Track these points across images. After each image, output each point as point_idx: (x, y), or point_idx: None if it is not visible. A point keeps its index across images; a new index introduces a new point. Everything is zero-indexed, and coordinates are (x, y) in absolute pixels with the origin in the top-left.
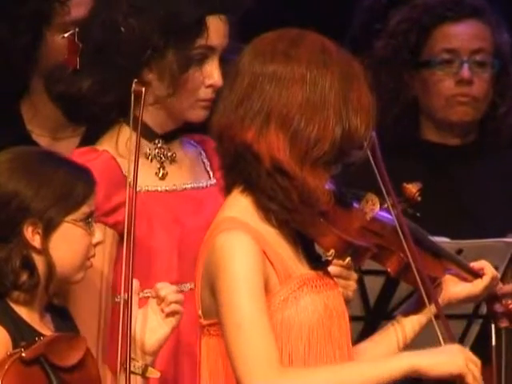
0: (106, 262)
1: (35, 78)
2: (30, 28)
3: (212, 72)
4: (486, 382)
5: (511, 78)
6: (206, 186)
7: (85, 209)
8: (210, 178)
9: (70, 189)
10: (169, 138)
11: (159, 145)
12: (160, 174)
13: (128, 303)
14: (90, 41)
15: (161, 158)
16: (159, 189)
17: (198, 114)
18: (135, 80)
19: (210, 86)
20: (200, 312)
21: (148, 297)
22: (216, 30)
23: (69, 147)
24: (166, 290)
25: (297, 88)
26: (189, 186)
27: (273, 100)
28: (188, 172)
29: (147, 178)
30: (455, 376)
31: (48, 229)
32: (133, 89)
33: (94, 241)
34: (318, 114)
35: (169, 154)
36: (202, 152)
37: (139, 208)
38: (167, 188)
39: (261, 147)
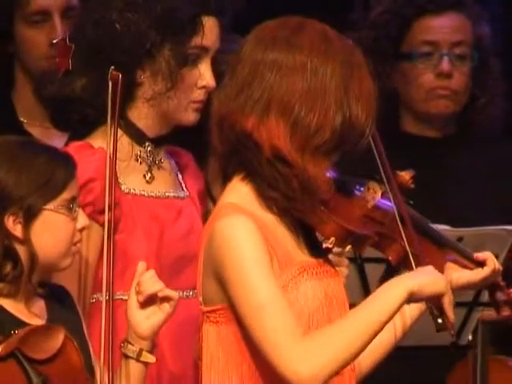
0: (90, 255)
1: (17, 70)
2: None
3: (205, 73)
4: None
5: (491, 70)
6: (184, 197)
7: (65, 195)
8: (183, 189)
9: (50, 176)
10: (157, 143)
11: (149, 148)
12: (147, 177)
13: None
14: (84, 40)
15: (149, 161)
16: (146, 194)
17: (189, 116)
18: (112, 67)
19: (203, 87)
20: (200, 299)
21: (121, 299)
22: (210, 30)
23: (61, 136)
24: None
25: (298, 76)
26: (171, 194)
27: (273, 88)
28: (170, 180)
29: (135, 180)
30: (435, 297)
31: (29, 217)
32: (109, 75)
33: (79, 226)
34: (318, 102)
35: (157, 158)
36: (174, 164)
37: (125, 211)
38: (153, 194)
39: (261, 135)
